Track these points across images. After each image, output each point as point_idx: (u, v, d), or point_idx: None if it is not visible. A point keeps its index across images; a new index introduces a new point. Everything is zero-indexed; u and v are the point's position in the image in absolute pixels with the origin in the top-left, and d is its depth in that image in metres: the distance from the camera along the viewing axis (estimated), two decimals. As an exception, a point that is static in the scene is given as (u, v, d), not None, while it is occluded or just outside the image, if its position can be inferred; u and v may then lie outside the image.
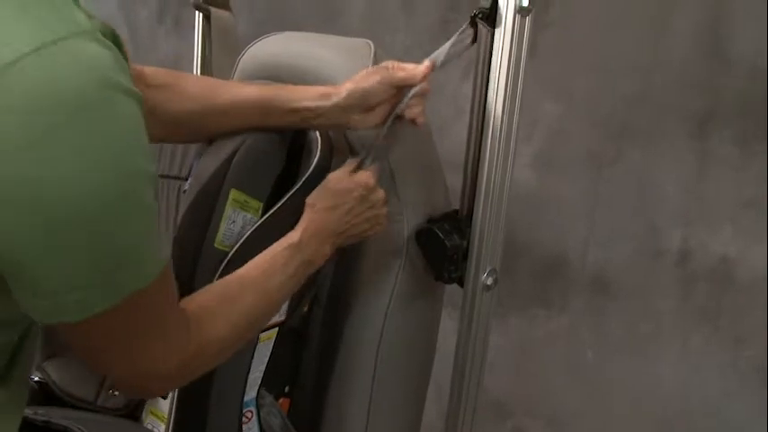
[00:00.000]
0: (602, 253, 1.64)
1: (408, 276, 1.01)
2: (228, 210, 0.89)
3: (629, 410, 1.64)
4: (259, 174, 0.93)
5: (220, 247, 0.89)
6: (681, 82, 1.48)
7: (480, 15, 0.90)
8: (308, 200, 0.92)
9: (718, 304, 1.49)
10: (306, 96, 0.94)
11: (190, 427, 0.94)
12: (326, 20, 2.06)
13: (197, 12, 1.30)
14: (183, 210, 0.92)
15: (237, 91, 0.96)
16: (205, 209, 0.89)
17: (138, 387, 0.76)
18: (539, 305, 1.76)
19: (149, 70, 0.94)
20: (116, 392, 1.07)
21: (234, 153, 0.91)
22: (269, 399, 1.04)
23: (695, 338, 1.53)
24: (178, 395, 0.93)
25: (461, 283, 0.99)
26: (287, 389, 1.08)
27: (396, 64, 0.93)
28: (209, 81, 1.06)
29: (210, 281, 0.85)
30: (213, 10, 1.27)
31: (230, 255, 0.89)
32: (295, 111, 0.94)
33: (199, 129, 0.96)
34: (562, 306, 1.72)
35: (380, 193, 0.94)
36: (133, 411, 1.06)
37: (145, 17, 2.65)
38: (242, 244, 0.89)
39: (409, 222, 0.99)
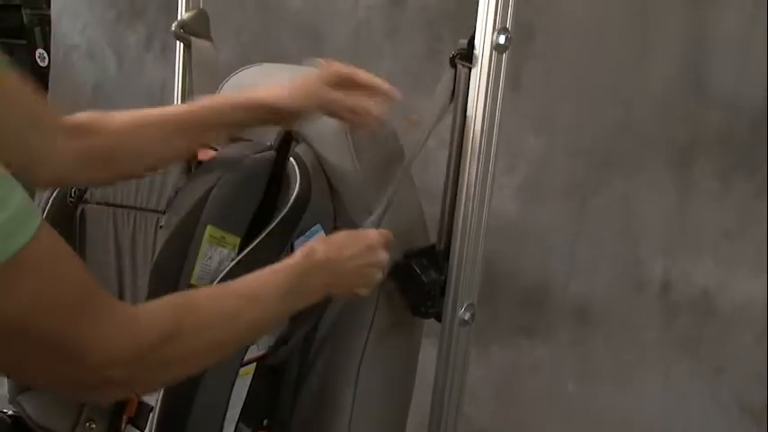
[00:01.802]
0: (584, 283, 1.64)
1: (386, 312, 1.01)
2: (205, 246, 0.89)
3: (613, 440, 1.64)
4: (236, 209, 0.93)
5: (197, 284, 0.89)
6: (662, 114, 1.49)
7: (458, 56, 0.91)
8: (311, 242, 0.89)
9: (699, 334, 1.49)
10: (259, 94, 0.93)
11: (167, 464, 0.93)
12: (311, 46, 2.07)
13: (177, 41, 1.30)
14: (160, 245, 0.91)
15: (168, 107, 0.94)
16: (182, 245, 0.89)
17: (89, 385, 0.66)
18: (522, 335, 1.76)
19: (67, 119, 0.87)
20: (93, 425, 1.05)
21: (211, 189, 0.90)
22: (247, 433, 1.03)
23: (677, 368, 1.53)
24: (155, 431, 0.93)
25: (439, 318, 0.98)
26: (265, 422, 1.07)
27: None
28: (137, 110, 0.98)
29: None
30: (194, 40, 1.26)
31: None
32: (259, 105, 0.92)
33: (135, 154, 0.90)
34: (545, 336, 1.72)
35: (383, 255, 0.91)
36: (110, 446, 1.05)
37: (133, 43, 2.65)
38: (218, 282, 0.89)
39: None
